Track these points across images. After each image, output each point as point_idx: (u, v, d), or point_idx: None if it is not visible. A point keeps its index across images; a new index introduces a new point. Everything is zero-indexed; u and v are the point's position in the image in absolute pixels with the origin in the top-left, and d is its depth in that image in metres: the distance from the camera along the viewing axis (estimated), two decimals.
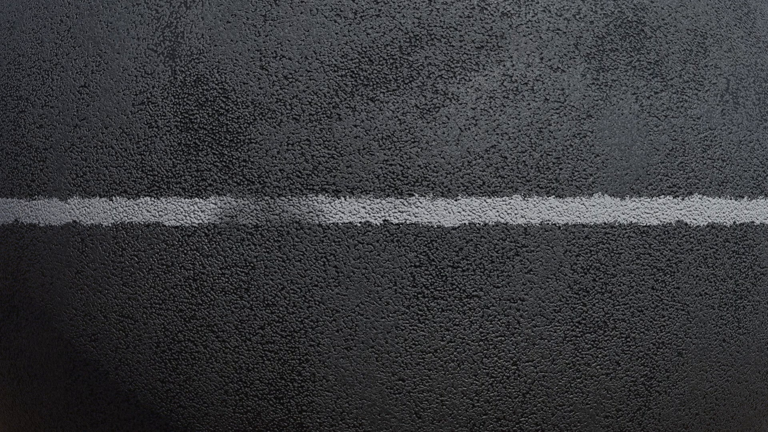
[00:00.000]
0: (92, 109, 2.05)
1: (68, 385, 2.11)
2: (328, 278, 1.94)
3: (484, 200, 1.94)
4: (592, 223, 1.97)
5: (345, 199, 1.94)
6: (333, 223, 1.94)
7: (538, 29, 1.96)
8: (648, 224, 1.99)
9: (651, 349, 2.01)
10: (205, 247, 1.97)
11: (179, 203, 1.98)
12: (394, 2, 1.95)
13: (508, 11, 1.96)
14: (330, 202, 1.94)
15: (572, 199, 1.96)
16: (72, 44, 2.08)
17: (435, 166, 1.94)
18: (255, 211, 1.95)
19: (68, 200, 2.05)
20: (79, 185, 2.04)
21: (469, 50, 1.95)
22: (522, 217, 1.94)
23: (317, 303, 1.95)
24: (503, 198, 1.94)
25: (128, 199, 2.01)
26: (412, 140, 1.93)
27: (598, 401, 2.01)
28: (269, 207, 1.94)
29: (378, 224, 1.94)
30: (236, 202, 1.96)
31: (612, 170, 1.97)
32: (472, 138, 1.94)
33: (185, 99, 1.99)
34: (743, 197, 2.06)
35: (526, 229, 1.94)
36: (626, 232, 1.98)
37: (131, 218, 2.01)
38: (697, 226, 2.02)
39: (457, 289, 1.94)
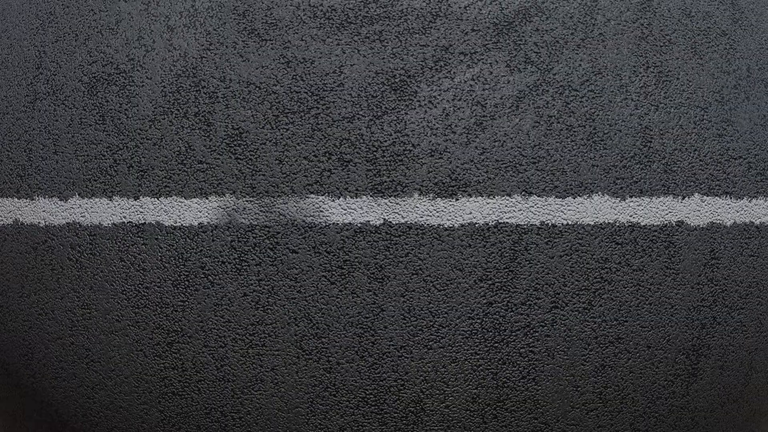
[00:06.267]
0: (92, 109, 2.05)
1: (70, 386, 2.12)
2: (327, 278, 1.95)
3: (484, 200, 1.94)
4: (592, 223, 1.97)
5: (345, 199, 1.94)
6: (333, 223, 1.94)
7: (539, 26, 1.96)
8: (648, 224, 1.99)
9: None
10: (205, 247, 1.97)
11: (179, 203, 1.98)
12: (395, 5, 1.96)
13: (510, 9, 1.96)
14: (330, 202, 1.94)
15: (572, 199, 1.96)
16: (74, 44, 2.08)
17: (435, 166, 1.94)
18: (255, 211, 1.95)
19: (68, 200, 2.06)
20: (79, 185, 2.05)
21: (464, 50, 1.95)
22: (522, 217, 1.95)
23: (316, 303, 1.95)
24: (503, 198, 1.94)
25: (128, 199, 2.01)
26: (412, 140, 1.94)
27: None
28: (269, 207, 1.94)
29: (378, 224, 1.94)
30: (236, 202, 1.96)
31: (612, 170, 1.97)
32: (471, 138, 1.94)
33: (185, 99, 1.99)
34: (743, 197, 2.06)
35: (526, 229, 1.94)
36: (626, 232, 1.98)
37: (131, 218, 2.01)
38: (697, 226, 2.02)
39: (457, 289, 1.94)
